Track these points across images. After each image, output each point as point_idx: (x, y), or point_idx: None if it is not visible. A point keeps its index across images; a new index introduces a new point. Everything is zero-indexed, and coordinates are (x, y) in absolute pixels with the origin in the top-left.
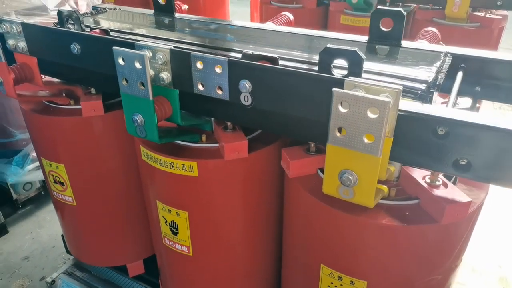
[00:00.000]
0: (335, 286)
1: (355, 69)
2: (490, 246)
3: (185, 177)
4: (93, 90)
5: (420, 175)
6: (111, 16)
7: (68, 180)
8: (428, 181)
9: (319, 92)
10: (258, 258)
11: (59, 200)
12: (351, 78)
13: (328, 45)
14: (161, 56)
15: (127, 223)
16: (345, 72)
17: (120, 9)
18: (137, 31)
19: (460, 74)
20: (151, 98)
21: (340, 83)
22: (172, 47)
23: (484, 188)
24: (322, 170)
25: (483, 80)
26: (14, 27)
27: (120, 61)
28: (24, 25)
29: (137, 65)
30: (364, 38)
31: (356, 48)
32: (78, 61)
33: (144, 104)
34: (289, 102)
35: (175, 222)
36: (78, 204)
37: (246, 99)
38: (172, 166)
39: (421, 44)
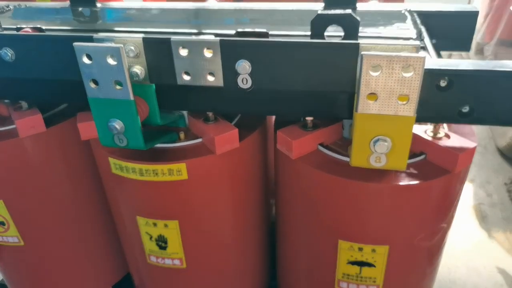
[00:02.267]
0: (356, 258)
1: (352, 33)
2: None
3: (172, 183)
4: (24, 105)
5: (420, 130)
6: (22, 14)
7: (10, 218)
8: (431, 134)
9: (334, 60)
10: (250, 252)
11: (0, 244)
12: (366, 41)
13: (320, 12)
14: (132, 48)
15: (90, 250)
16: (339, 39)
17: (26, 5)
18: (72, 26)
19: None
20: (131, 98)
21: (353, 48)
22: (143, 36)
23: (472, 133)
24: (322, 145)
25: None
26: None
27: (85, 60)
28: None
29: (110, 61)
30: (320, 6)
31: (350, 11)
32: (11, 70)
33: (124, 107)
34: (298, 77)
35: (163, 236)
36: (26, 243)
37: (244, 82)
38: (156, 173)
39: (375, 5)
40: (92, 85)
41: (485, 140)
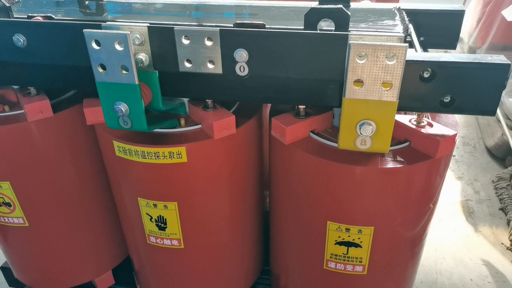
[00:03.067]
0: (343, 238)
1: (343, 26)
2: None
3: (172, 165)
4: (33, 90)
5: (405, 119)
6: (31, 5)
7: (16, 199)
8: (415, 123)
9: (325, 50)
10: (245, 236)
11: (4, 225)
12: (354, 32)
13: (313, 6)
14: (138, 36)
15: (91, 234)
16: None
17: None
18: (79, 18)
19: (411, 26)
20: (136, 82)
21: (343, 38)
22: (148, 25)
23: (454, 124)
24: (313, 132)
25: (424, 30)
26: None
27: (94, 45)
28: None
29: (118, 47)
30: (315, 4)
31: (340, 6)
32: (23, 55)
33: (129, 90)
34: (291, 65)
35: (163, 217)
36: (31, 224)
37: (242, 69)
38: (158, 156)
39: (367, 3)
40: (100, 70)
41: (474, 140)
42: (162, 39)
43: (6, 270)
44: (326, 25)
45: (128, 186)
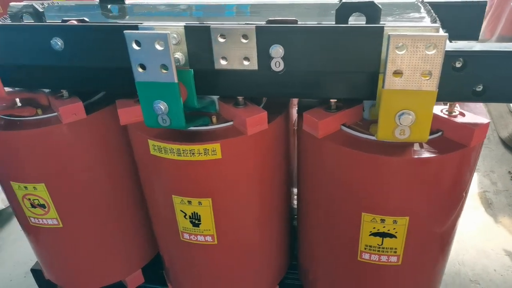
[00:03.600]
0: (378, 229)
1: (374, 19)
2: None
3: (206, 162)
4: (65, 93)
5: (437, 109)
6: (56, 11)
7: (50, 200)
8: (447, 113)
9: (360, 43)
10: (274, 231)
11: (38, 226)
12: (389, 25)
13: (344, 1)
14: (174, 36)
15: (122, 233)
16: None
17: (58, 3)
18: (110, 21)
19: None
20: (176, 80)
21: (379, 31)
22: (185, 24)
23: (484, 112)
24: (344, 125)
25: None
26: None
27: (134, 46)
28: None
29: (158, 46)
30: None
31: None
32: (61, 58)
33: (169, 89)
34: (326, 59)
35: (197, 213)
36: (65, 225)
37: (277, 65)
38: (193, 153)
39: None
40: (140, 70)
41: (488, 132)
42: (198, 38)
43: (36, 272)
44: (353, 20)
45: (162, 184)
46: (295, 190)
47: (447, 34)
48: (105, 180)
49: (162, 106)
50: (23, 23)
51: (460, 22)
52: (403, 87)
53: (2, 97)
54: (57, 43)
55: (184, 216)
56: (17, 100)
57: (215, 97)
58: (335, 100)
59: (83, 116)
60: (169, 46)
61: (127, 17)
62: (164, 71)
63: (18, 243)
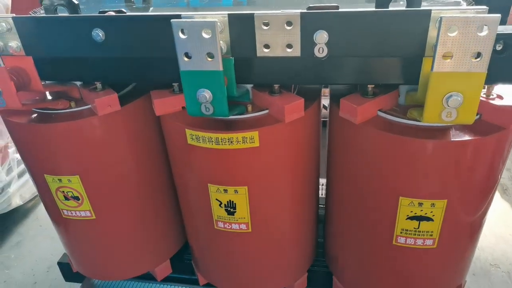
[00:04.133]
0: (415, 213)
1: (416, 3)
2: None
3: (244, 150)
4: (99, 85)
5: None
6: (84, 3)
7: (84, 192)
8: (485, 96)
9: (406, 27)
10: (305, 219)
11: (71, 219)
12: (435, 8)
13: None
14: (218, 24)
15: (153, 224)
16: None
17: None
18: (145, 12)
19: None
20: (221, 68)
21: (426, 15)
22: (229, 13)
23: None
24: (381, 111)
25: None
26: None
27: (180, 35)
28: (17, 20)
29: (205, 35)
30: None
31: None
32: (102, 49)
33: (214, 77)
34: (370, 44)
35: (233, 201)
36: (97, 216)
37: (321, 51)
38: (231, 142)
39: None
40: (185, 59)
41: None
42: (241, 26)
43: (63, 265)
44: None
45: (198, 173)
46: (321, 180)
47: (499, 15)
48: (137, 171)
49: (206, 94)
50: (64, 15)
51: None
52: (453, 70)
53: (38, 90)
54: (99, 34)
55: (220, 205)
56: (47, 93)
57: (249, 86)
58: (372, 85)
59: (118, 108)
60: (216, 34)
61: (151, 8)
62: (210, 59)
63: (38, 238)
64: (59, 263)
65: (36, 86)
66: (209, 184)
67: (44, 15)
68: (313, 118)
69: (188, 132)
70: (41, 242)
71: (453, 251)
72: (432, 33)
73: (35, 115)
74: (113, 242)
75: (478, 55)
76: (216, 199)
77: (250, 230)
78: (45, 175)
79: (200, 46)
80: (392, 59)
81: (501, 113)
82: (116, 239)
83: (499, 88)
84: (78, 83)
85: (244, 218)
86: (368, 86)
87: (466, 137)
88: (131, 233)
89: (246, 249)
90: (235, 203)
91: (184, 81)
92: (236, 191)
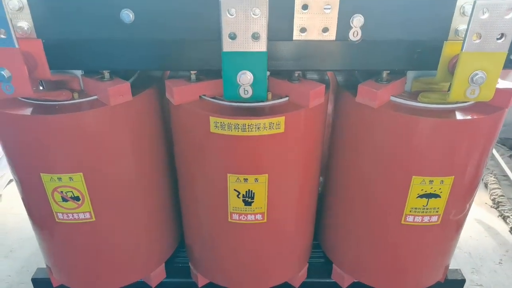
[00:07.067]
0: (425, 191)
1: None
2: None
3: (269, 136)
4: (106, 75)
5: None
6: None
7: (86, 192)
8: None
9: (437, 10)
10: (310, 209)
11: (66, 223)
12: None
13: None
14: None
15: (153, 225)
16: None
17: None
18: None
19: None
20: (266, 49)
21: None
22: None
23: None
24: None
25: None
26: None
27: (227, 15)
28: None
29: (254, 14)
30: None
31: None
32: (131, 31)
33: (256, 58)
34: (403, 28)
35: (251, 191)
36: (97, 218)
37: (355, 35)
38: (258, 128)
39: None
40: (229, 40)
41: None
42: (279, 8)
43: (38, 282)
44: None
45: (218, 164)
46: None
47: None
48: (138, 168)
49: (248, 76)
50: None
51: None
52: (480, 49)
53: (45, 77)
54: (129, 14)
55: (237, 195)
56: (42, 83)
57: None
58: (388, 71)
59: (130, 97)
60: (265, 12)
61: None
62: (255, 40)
63: None
64: (34, 280)
65: (43, 73)
66: (228, 174)
67: None
68: (327, 105)
69: (213, 119)
70: None
71: (455, 224)
72: (456, 16)
73: (31, 106)
74: (112, 246)
75: (502, 36)
76: (234, 190)
77: (265, 220)
78: (41, 174)
79: (246, 26)
80: (421, 44)
81: (499, 95)
82: (116, 243)
83: None
84: (79, 73)
85: (261, 208)
86: (384, 72)
87: (475, 116)
88: (130, 236)
89: (259, 241)
90: (253, 193)
91: (225, 62)
92: (256, 180)
